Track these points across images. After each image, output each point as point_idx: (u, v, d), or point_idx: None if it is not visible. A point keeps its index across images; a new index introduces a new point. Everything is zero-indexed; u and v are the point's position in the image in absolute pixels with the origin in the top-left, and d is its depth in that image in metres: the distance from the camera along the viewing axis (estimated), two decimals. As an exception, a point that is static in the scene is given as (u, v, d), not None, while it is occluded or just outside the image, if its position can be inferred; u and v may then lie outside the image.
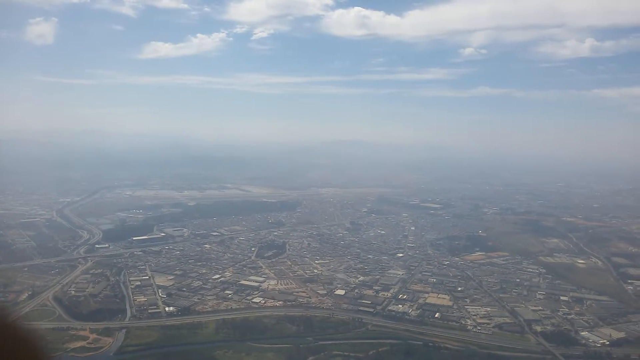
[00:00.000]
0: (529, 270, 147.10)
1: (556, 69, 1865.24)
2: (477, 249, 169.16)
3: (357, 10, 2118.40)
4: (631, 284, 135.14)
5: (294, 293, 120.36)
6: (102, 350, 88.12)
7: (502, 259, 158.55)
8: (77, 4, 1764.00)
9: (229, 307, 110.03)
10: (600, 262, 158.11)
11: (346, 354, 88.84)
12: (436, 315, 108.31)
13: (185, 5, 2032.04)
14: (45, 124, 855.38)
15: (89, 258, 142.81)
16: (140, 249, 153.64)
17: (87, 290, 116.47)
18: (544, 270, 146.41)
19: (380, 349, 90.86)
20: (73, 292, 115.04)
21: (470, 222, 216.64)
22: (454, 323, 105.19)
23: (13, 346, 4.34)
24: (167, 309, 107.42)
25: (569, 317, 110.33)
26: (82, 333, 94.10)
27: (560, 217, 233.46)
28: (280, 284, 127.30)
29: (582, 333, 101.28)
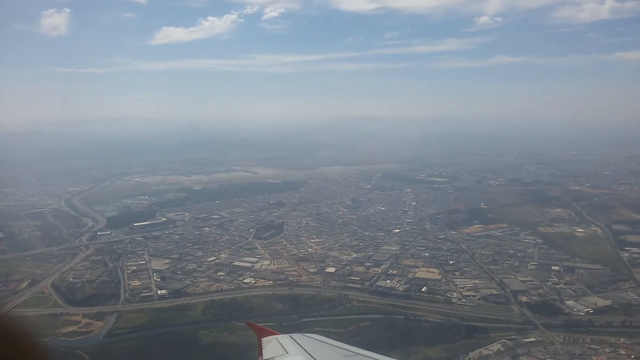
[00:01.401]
0: (525, 241, 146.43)
1: (576, 34, 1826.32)
2: (476, 222, 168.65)
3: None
4: (628, 251, 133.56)
5: (285, 272, 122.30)
6: (92, 334, 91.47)
7: (499, 230, 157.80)
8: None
9: (220, 289, 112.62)
10: (600, 231, 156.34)
11: (327, 329, 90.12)
12: (423, 289, 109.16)
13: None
14: (61, 115, 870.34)
15: (90, 245, 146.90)
16: (141, 235, 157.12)
17: (84, 276, 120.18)
18: (541, 241, 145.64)
19: (361, 324, 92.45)
20: (71, 279, 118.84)
21: (473, 195, 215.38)
22: (440, 296, 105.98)
23: (6, 339, 4.33)
24: (159, 292, 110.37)
25: (558, 286, 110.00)
26: (74, 318, 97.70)
27: (567, 186, 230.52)
28: (273, 264, 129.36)
29: (568, 302, 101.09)
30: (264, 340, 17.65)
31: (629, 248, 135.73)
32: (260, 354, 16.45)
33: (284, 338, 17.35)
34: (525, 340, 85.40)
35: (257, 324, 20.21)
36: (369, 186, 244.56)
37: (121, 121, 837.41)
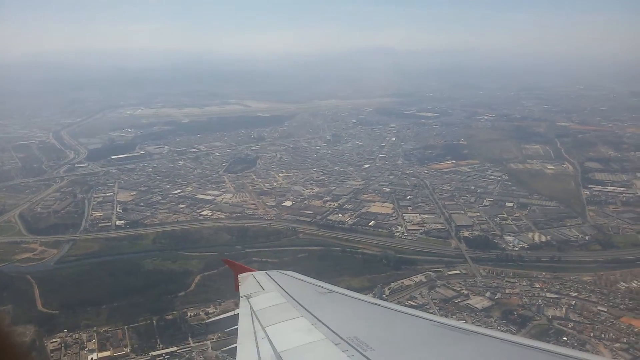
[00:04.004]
0: (490, 177, 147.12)
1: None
2: (449, 158, 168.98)
3: None
4: (589, 188, 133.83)
5: (244, 205, 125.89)
6: (44, 260, 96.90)
7: (469, 167, 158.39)
8: None
9: (176, 220, 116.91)
10: (571, 168, 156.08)
11: (264, 260, 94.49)
12: (370, 224, 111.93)
13: None
14: (66, 44, 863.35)
15: (65, 177, 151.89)
16: (116, 167, 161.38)
17: (52, 207, 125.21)
18: (506, 177, 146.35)
19: (298, 256, 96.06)
20: (39, 209, 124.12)
21: (456, 131, 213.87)
22: (385, 230, 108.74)
23: None
24: (117, 222, 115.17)
25: (504, 222, 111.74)
26: (32, 246, 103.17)
27: (555, 122, 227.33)
28: (235, 197, 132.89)
29: (507, 238, 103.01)
30: (241, 276, 17.90)
31: (591, 186, 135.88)
32: (237, 289, 16.80)
33: (260, 275, 17.61)
34: (449, 272, 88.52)
35: (234, 261, 20.46)
36: (354, 121, 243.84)
37: (128, 51, 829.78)
